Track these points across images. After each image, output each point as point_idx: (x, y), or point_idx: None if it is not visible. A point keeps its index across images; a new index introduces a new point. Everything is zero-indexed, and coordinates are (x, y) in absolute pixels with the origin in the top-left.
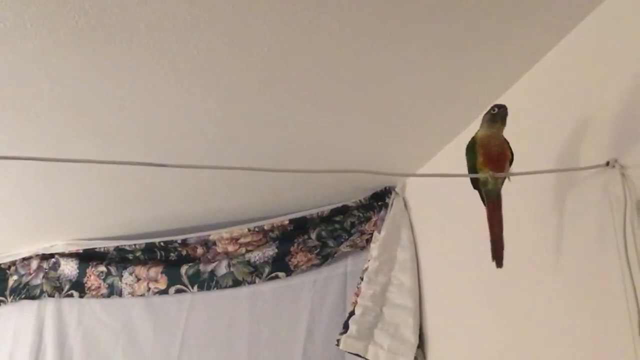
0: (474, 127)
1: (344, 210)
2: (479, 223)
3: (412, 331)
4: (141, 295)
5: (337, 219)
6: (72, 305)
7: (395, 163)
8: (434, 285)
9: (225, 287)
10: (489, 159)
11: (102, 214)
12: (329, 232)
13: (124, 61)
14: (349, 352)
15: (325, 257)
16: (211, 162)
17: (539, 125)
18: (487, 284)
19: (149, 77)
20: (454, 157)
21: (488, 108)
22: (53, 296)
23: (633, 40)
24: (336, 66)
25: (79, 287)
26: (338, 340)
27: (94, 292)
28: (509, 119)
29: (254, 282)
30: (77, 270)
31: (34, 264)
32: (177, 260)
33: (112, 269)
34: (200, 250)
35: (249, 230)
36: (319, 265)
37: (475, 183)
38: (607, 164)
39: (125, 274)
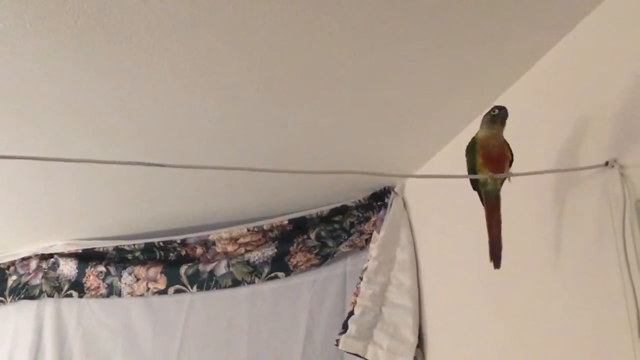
0: (473, 127)
1: (343, 210)
2: (478, 223)
3: (411, 331)
4: (140, 295)
5: (337, 219)
6: (71, 305)
7: (394, 163)
8: (433, 285)
9: (225, 287)
10: (488, 160)
11: (102, 213)
12: (328, 232)
13: (123, 61)
14: (348, 352)
15: (324, 257)
16: (211, 162)
17: (538, 125)
18: (487, 283)
19: (148, 77)
20: (454, 157)
21: (488, 109)
22: (52, 296)
23: (632, 40)
24: (336, 66)
25: (78, 287)
26: (337, 340)
27: (93, 292)
28: (508, 119)
29: (253, 282)
30: (76, 270)
31: (33, 264)
32: (176, 260)
33: (112, 269)
34: (199, 250)
35: (249, 230)
36: (318, 265)
37: (475, 184)
38: (606, 164)
39: (125, 274)
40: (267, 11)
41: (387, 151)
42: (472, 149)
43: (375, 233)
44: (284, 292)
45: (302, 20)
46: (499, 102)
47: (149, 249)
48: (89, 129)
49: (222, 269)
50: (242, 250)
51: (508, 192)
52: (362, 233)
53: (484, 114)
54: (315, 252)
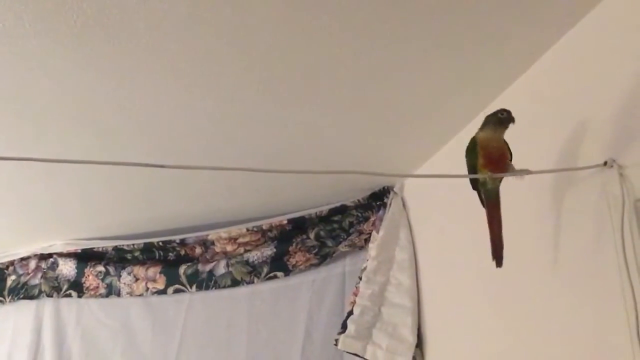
0: (472, 127)
1: (342, 210)
2: (477, 223)
3: (410, 331)
4: (139, 295)
5: (336, 218)
6: (70, 305)
7: (394, 163)
8: (432, 284)
9: (224, 287)
10: (489, 161)
11: (101, 213)
12: (327, 231)
13: (122, 61)
14: (347, 352)
15: (323, 256)
16: (210, 162)
17: (537, 124)
18: (486, 283)
19: (147, 77)
20: (453, 157)
21: (487, 108)
22: (51, 296)
23: (631, 39)
24: (336, 66)
25: (77, 287)
26: (336, 340)
27: (92, 292)
28: None
29: (253, 282)
30: (76, 270)
31: (32, 263)
32: (175, 260)
33: (111, 269)
34: (198, 250)
35: (248, 230)
36: (317, 265)
37: (475, 183)
38: (605, 163)
39: (124, 273)
40: (267, 11)
41: (386, 151)
42: (473, 149)
43: (374, 233)
44: (283, 292)
45: (302, 20)
46: (498, 102)
47: (148, 248)
48: (89, 129)
49: (221, 268)
50: (241, 250)
51: (507, 192)
52: (361, 233)
53: (487, 114)
54: (314, 252)
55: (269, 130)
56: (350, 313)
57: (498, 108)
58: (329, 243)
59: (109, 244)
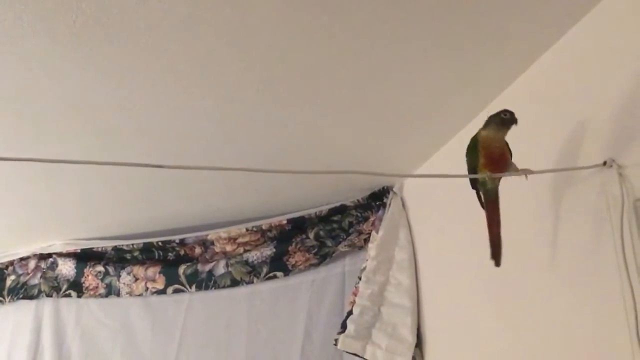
0: (472, 127)
1: (342, 210)
2: (476, 222)
3: (410, 331)
4: (139, 295)
5: (335, 218)
6: (70, 305)
7: (393, 162)
8: (431, 284)
9: (223, 286)
10: (490, 160)
11: (100, 213)
12: (327, 231)
13: (122, 61)
14: (347, 352)
15: (323, 256)
16: (210, 162)
17: (537, 124)
18: (485, 283)
19: (147, 77)
20: (452, 157)
21: (487, 108)
22: (51, 296)
23: (631, 39)
24: (336, 66)
25: (76, 286)
26: (336, 340)
27: (91, 292)
28: None
29: (252, 282)
30: (75, 270)
31: (32, 263)
32: (175, 260)
33: (110, 269)
34: (198, 250)
35: (247, 230)
36: (317, 265)
37: (474, 183)
38: (605, 163)
39: (123, 273)
40: (267, 11)
41: (386, 151)
42: (474, 148)
43: (374, 233)
44: (283, 291)
45: (302, 20)
46: (497, 102)
47: (147, 248)
48: (89, 129)
49: (220, 268)
50: (241, 250)
51: (507, 192)
52: (360, 233)
53: (487, 114)
54: (314, 251)
55: (269, 130)
56: (350, 313)
57: (498, 108)
58: (329, 243)
59: (108, 244)
